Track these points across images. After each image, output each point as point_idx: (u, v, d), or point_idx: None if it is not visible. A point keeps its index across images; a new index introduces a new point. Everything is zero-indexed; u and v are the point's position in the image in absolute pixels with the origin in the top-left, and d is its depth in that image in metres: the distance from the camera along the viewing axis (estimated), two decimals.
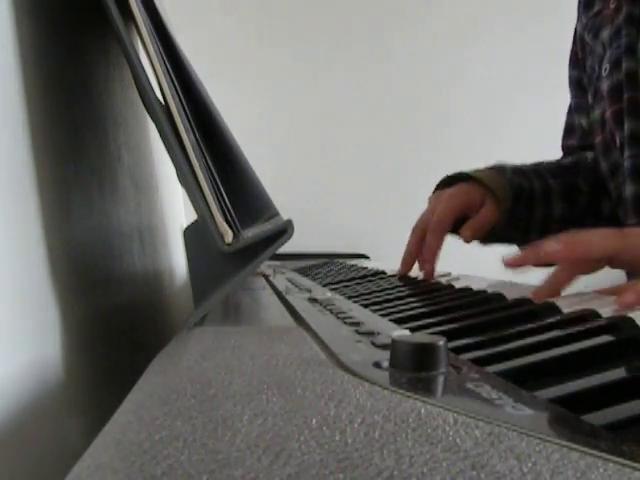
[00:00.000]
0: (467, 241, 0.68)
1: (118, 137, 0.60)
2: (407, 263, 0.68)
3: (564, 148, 0.88)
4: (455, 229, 0.68)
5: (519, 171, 0.75)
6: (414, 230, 0.69)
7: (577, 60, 0.83)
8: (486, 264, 0.70)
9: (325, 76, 1.71)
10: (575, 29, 0.83)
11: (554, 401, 0.19)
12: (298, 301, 0.45)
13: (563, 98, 0.89)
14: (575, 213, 0.77)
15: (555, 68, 1.67)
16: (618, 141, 0.70)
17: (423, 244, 0.66)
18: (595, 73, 0.75)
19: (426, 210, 0.70)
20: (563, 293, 0.45)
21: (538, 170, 0.78)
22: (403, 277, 0.67)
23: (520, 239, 0.75)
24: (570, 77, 0.85)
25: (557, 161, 0.83)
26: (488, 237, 0.72)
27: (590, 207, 0.78)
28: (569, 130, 0.87)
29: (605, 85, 0.71)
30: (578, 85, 0.83)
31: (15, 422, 0.29)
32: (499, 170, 0.73)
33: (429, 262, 0.65)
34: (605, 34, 0.72)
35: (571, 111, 0.87)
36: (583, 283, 0.48)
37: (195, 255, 0.54)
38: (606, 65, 0.71)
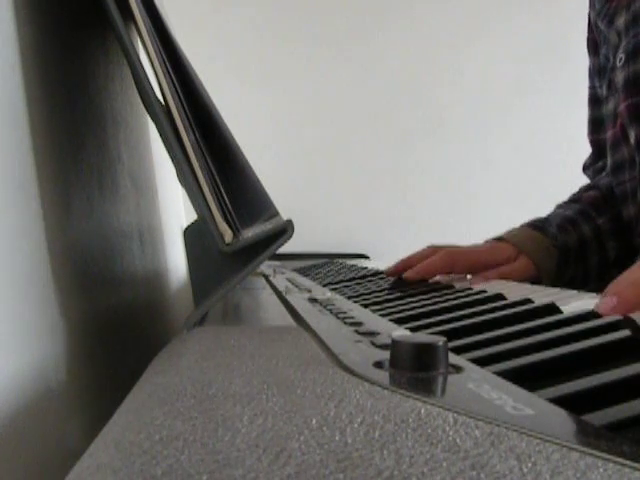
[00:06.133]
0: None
1: (118, 137, 0.60)
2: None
3: (593, 143, 0.82)
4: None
5: (565, 222, 0.71)
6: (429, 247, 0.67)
7: (596, 47, 0.77)
8: None
9: (325, 76, 1.71)
10: (588, 15, 0.78)
11: (554, 401, 0.19)
12: (298, 301, 0.45)
13: (562, 98, 0.87)
14: (629, 245, 0.72)
15: (553, 68, 1.67)
16: (633, 137, 0.66)
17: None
18: (609, 63, 0.71)
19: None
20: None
21: (584, 210, 0.73)
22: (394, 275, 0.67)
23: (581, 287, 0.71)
24: (592, 65, 0.79)
25: (599, 188, 0.77)
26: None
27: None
28: (596, 123, 0.80)
29: (620, 76, 0.67)
30: (599, 74, 0.77)
31: (15, 422, 0.29)
32: (541, 228, 0.69)
33: (415, 272, 0.63)
34: (620, 21, 0.68)
35: (593, 102, 0.80)
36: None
37: (195, 255, 0.54)
38: (621, 55, 0.67)
